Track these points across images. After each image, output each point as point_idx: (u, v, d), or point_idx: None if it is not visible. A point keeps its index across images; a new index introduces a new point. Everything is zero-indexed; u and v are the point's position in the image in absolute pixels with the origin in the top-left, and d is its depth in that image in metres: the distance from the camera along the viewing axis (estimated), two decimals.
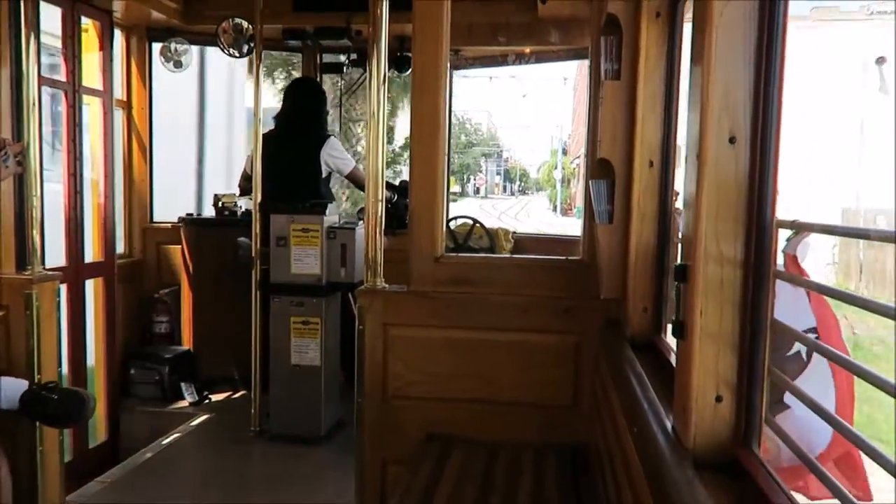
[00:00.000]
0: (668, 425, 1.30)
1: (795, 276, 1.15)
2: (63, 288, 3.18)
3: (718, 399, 1.15)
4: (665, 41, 1.88)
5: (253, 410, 3.58)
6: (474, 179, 56.34)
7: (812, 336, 1.55)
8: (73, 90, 3.58)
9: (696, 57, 1.22)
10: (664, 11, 1.86)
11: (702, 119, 1.15)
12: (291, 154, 3.91)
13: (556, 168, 46.60)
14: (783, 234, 1.21)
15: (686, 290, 1.20)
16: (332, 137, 4.07)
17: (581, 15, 3.48)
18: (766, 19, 1.13)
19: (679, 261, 1.29)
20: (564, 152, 47.66)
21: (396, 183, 4.23)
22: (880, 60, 16.62)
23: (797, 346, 1.54)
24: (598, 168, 2.06)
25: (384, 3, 2.48)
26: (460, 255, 3.21)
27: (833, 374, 1.61)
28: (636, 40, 1.91)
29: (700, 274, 1.15)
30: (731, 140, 1.13)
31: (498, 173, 63.11)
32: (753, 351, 1.14)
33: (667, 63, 1.88)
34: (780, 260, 1.20)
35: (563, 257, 2.61)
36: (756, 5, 1.14)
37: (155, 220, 4.50)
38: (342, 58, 4.63)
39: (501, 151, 62.42)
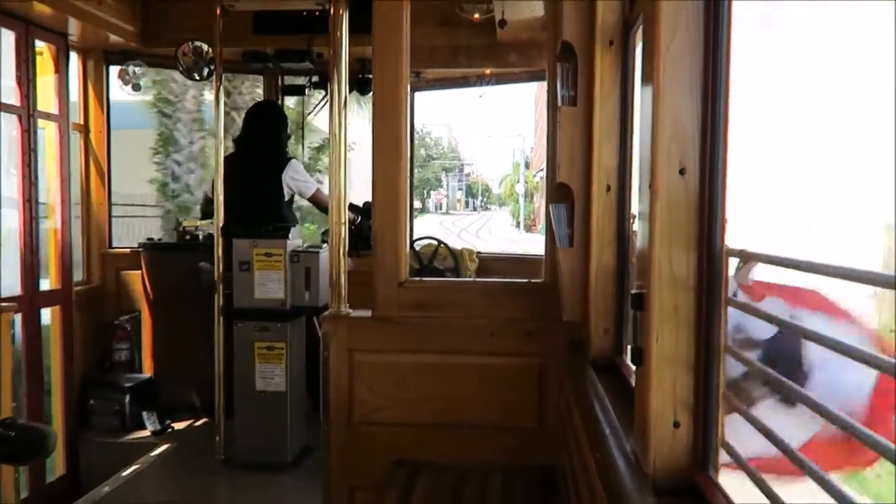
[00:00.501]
0: (629, 449, 1.31)
1: (747, 303, 1.18)
2: (18, 318, 3.10)
3: (676, 425, 1.17)
4: (619, 68, 1.92)
5: (218, 438, 3.52)
6: (434, 194, 56.03)
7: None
8: (28, 114, 3.51)
9: (645, 88, 1.25)
10: (617, 39, 1.90)
11: (653, 149, 1.18)
12: (253, 177, 3.88)
13: (518, 182, 46.53)
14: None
15: (642, 317, 1.23)
16: (294, 160, 4.05)
17: (539, 38, 3.54)
18: (710, 49, 1.17)
19: (635, 287, 1.31)
20: (527, 165, 47.66)
21: (360, 204, 4.22)
22: None
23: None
24: (557, 192, 2.09)
25: (344, 25, 2.50)
26: (424, 279, 3.21)
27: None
28: (591, 67, 1.94)
29: (655, 300, 1.18)
30: (682, 171, 1.15)
31: (460, 188, 62.85)
32: (709, 375, 1.17)
33: (621, 89, 1.92)
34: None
35: (527, 280, 2.63)
36: (701, 36, 1.17)
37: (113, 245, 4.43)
38: (304, 80, 4.62)
39: (463, 165, 62.21)
